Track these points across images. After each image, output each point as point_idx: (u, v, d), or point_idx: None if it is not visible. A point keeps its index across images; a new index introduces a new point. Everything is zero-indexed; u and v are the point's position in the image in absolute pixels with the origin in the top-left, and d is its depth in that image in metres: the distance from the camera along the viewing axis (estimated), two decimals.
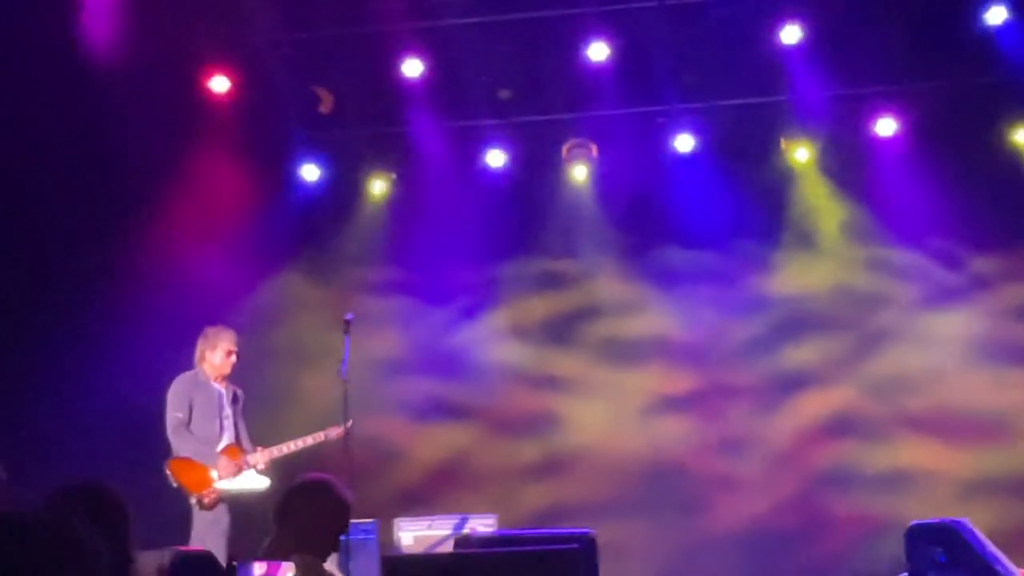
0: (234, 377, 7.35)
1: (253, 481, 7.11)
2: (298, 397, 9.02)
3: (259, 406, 8.20)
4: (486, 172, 9.52)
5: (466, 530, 6.69)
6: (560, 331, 9.66)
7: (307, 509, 3.77)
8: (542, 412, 9.50)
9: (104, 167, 8.31)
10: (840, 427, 9.23)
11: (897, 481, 9.00)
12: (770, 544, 8.92)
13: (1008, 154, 9.29)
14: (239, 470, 7.04)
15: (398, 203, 9.71)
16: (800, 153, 9.48)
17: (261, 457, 7.14)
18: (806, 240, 9.58)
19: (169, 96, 8.48)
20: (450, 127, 9.28)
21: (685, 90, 9.13)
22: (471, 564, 4.92)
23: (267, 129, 9.23)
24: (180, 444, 7.00)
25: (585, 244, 9.76)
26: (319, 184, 9.60)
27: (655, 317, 9.63)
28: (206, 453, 7.02)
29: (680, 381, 9.48)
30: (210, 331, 7.26)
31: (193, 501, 6.88)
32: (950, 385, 9.14)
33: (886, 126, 9.19)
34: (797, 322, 9.45)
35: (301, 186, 9.58)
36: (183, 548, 4.30)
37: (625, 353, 9.56)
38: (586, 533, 5.99)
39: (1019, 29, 8.46)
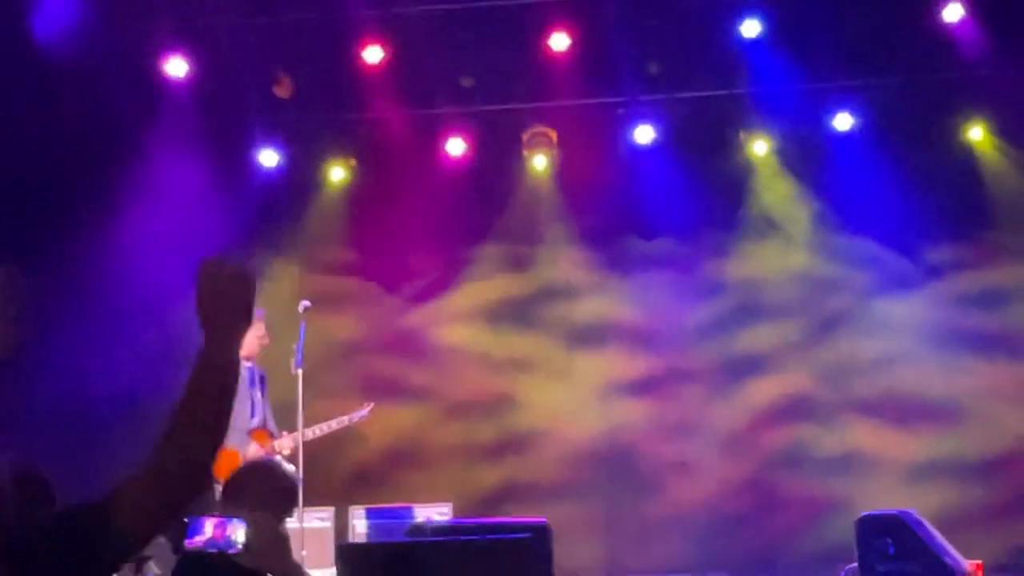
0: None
1: None
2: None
3: None
4: (447, 159, 9.49)
5: (420, 518, 6.68)
6: (518, 315, 9.69)
7: (253, 493, 3.74)
8: (499, 394, 9.53)
9: (59, 152, 8.19)
10: (793, 411, 9.35)
11: (847, 464, 9.14)
12: (722, 525, 9.04)
13: (962, 149, 9.45)
14: (267, 455, 6.83)
15: (357, 189, 9.67)
16: (759, 145, 9.54)
17: (288, 442, 6.95)
18: (764, 230, 9.68)
19: (126, 79, 8.36)
20: (411, 114, 9.25)
21: (645, 82, 9.17)
22: (425, 552, 4.93)
23: (226, 113, 9.14)
24: None
25: (544, 232, 9.79)
26: (278, 169, 9.53)
27: (613, 304, 9.71)
28: (236, 436, 6.78)
29: (637, 365, 9.56)
30: None
31: (220, 487, 6.71)
32: (902, 371, 9.26)
33: (844, 120, 9.27)
34: (753, 309, 9.56)
35: (259, 171, 9.50)
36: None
37: (583, 338, 9.62)
38: (540, 522, 6.03)
39: (975, 27, 8.56)
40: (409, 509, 7.96)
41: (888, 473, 9.07)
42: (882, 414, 9.21)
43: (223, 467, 6.68)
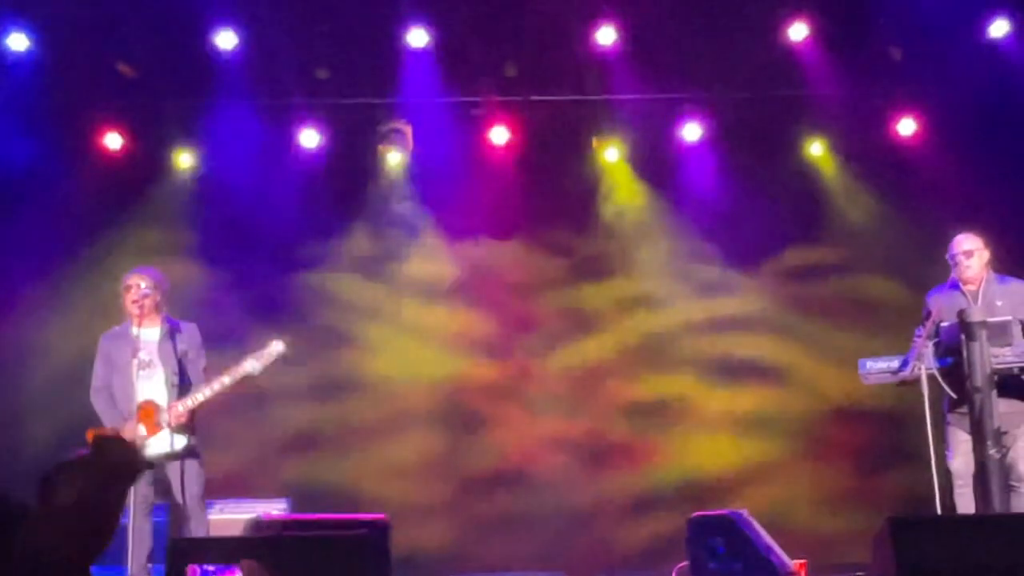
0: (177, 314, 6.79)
1: (162, 443, 6.29)
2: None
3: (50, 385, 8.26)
4: (299, 151, 9.37)
5: (257, 513, 6.57)
6: (363, 311, 9.69)
7: (73, 489, 3.54)
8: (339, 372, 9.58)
9: None
10: (629, 365, 9.75)
11: (680, 415, 9.64)
12: (550, 479, 9.43)
13: (804, 164, 9.82)
14: (150, 433, 6.28)
15: (205, 176, 9.45)
16: (610, 152, 9.72)
17: (173, 413, 6.31)
18: (610, 233, 9.89)
19: None
20: (263, 104, 9.10)
21: (503, 83, 9.24)
22: (260, 548, 4.86)
23: (69, 93, 8.84)
24: (97, 411, 6.42)
25: (396, 228, 9.78)
26: (123, 154, 9.25)
27: (456, 305, 9.78)
28: (115, 417, 6.37)
29: (483, 371, 9.69)
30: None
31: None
32: (736, 343, 9.77)
33: (693, 130, 9.53)
34: (593, 315, 9.83)
35: (104, 155, 9.21)
36: None
37: (426, 336, 9.72)
38: (379, 518, 6.02)
39: (817, 48, 8.92)
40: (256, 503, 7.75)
41: (718, 425, 9.62)
42: (718, 373, 9.72)
43: None
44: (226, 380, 6.34)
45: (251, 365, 6.33)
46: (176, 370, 6.50)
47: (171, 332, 6.61)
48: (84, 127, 9.13)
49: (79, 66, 8.62)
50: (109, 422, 6.40)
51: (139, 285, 6.55)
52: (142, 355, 6.41)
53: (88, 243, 9.28)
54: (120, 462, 3.56)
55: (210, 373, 6.56)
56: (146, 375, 6.42)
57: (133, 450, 3.65)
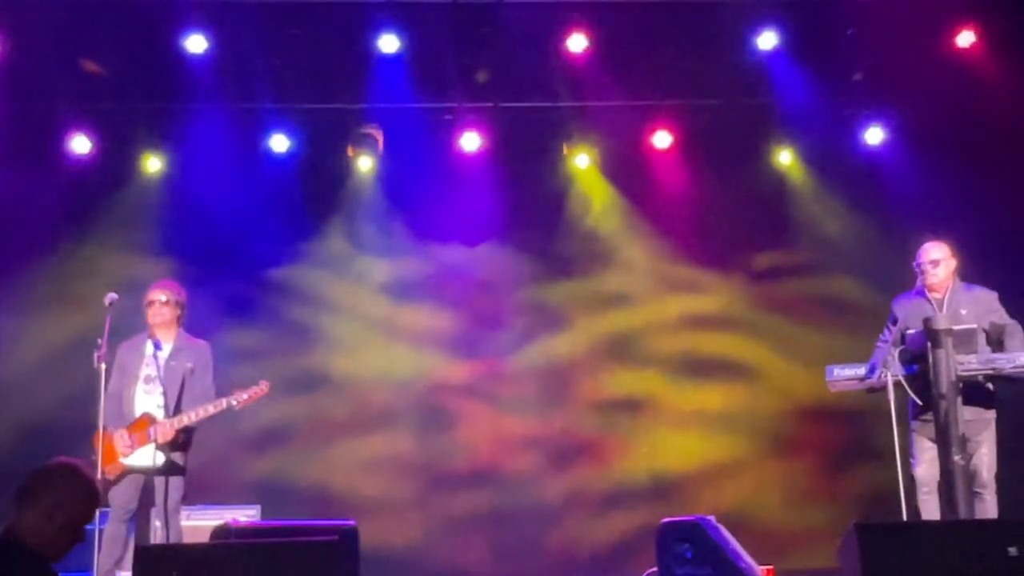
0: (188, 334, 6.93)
1: (144, 458, 6.50)
2: (67, 377, 8.56)
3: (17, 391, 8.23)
4: (269, 156, 9.34)
5: (224, 520, 6.53)
6: (328, 312, 9.66)
7: (50, 495, 3.56)
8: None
9: None
10: (598, 364, 9.81)
11: (647, 409, 9.74)
12: (519, 477, 9.48)
13: (773, 172, 9.90)
14: (138, 443, 6.50)
15: (174, 181, 9.39)
16: (581, 158, 9.75)
17: (161, 430, 6.52)
18: (580, 236, 9.95)
19: None
20: (233, 107, 9.07)
21: (473, 89, 9.25)
22: (228, 555, 4.84)
23: (34, 97, 8.76)
24: (106, 415, 6.52)
25: (367, 233, 9.76)
26: (90, 157, 9.17)
27: (425, 307, 9.77)
28: (117, 423, 6.59)
29: (452, 369, 9.71)
30: None
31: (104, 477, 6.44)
32: (705, 341, 9.86)
33: (662, 138, 9.57)
34: (562, 314, 9.88)
35: (71, 158, 9.14)
36: None
37: (396, 334, 9.73)
38: (347, 524, 6.00)
39: (786, 58, 8.99)
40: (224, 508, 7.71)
41: (687, 424, 9.72)
42: (686, 372, 9.81)
43: (104, 455, 6.42)
44: (211, 408, 6.60)
45: (235, 399, 6.63)
46: (178, 388, 6.71)
47: (181, 349, 6.83)
48: (52, 131, 9.04)
49: (47, 69, 8.55)
50: (112, 426, 6.60)
51: (160, 300, 6.80)
52: (149, 370, 6.73)
53: (53, 247, 9.21)
54: (75, 491, 3.61)
55: (219, 390, 6.78)
56: (148, 389, 6.70)
57: (89, 484, 3.69)
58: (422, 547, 9.20)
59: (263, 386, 6.70)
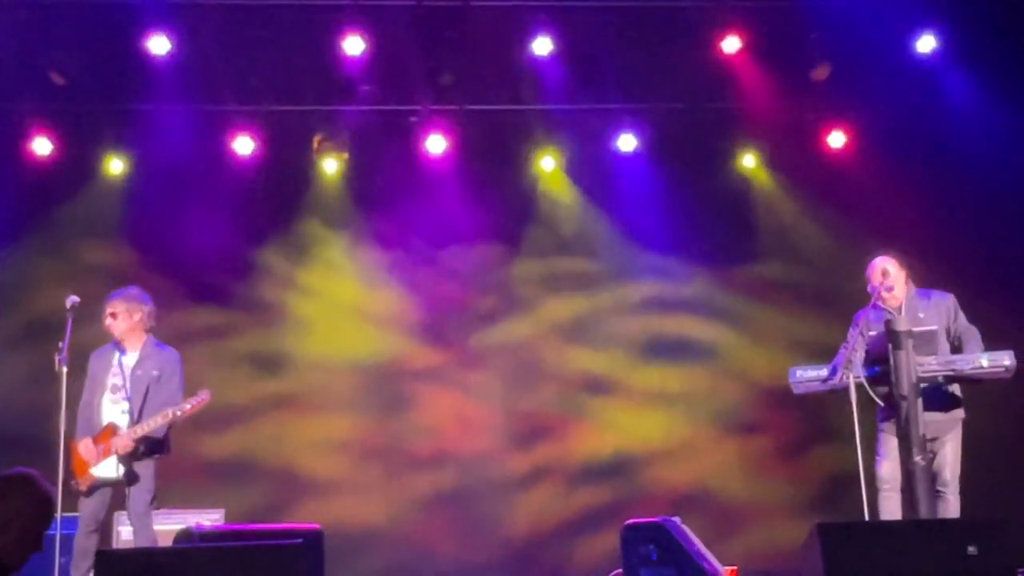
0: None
1: (108, 469, 6.52)
2: (30, 380, 8.46)
3: None
4: (233, 158, 9.27)
5: (188, 524, 6.49)
6: (292, 315, 9.65)
7: (6, 505, 3.55)
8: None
9: None
10: (560, 345, 9.87)
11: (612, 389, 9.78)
12: (482, 457, 9.54)
13: (737, 175, 9.97)
14: (103, 454, 6.50)
15: (136, 182, 9.32)
16: (546, 161, 9.77)
17: (120, 442, 6.49)
18: (545, 233, 9.97)
19: None
20: (196, 109, 9.01)
21: (439, 92, 9.24)
22: (191, 560, 4.80)
23: None
24: (78, 423, 6.57)
25: (332, 233, 9.75)
26: (51, 159, 9.08)
27: (392, 305, 9.77)
28: (85, 432, 6.61)
29: (415, 351, 9.72)
30: None
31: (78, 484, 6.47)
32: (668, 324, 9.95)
33: (628, 141, 9.60)
34: (524, 296, 9.92)
35: (33, 160, 9.04)
36: None
37: (360, 317, 9.74)
38: (312, 528, 5.98)
39: (750, 62, 9.05)
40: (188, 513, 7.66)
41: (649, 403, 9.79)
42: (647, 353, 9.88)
43: (75, 464, 6.42)
44: (159, 419, 6.53)
45: (179, 409, 6.56)
46: (143, 396, 6.66)
47: (148, 357, 6.77)
48: (12, 132, 8.95)
49: (7, 70, 8.46)
50: (80, 435, 6.60)
51: (110, 315, 6.76)
52: (115, 379, 6.69)
53: (13, 249, 9.13)
54: (30, 500, 3.60)
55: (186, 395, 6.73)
56: (115, 399, 6.67)
57: (44, 493, 3.68)
58: (386, 527, 9.22)
59: (205, 395, 6.64)
